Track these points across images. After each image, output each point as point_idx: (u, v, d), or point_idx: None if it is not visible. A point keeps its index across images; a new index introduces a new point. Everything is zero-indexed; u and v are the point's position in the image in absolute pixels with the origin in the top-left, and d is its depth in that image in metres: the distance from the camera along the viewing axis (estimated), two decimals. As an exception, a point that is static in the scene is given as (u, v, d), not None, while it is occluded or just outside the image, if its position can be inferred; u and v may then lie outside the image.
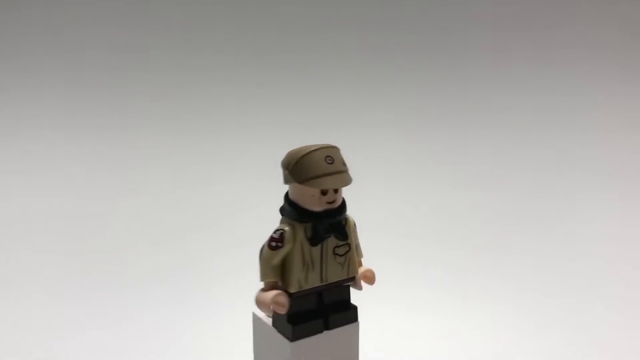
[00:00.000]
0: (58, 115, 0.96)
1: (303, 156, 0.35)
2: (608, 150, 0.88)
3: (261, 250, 0.37)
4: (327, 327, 0.38)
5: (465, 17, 1.00)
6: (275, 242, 0.36)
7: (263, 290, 0.37)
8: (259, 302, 0.36)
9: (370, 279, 0.40)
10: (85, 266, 0.64)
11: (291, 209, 0.36)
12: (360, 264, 0.40)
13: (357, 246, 0.40)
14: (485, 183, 0.84)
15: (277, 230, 0.36)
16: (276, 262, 0.36)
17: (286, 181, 0.37)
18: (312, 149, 0.36)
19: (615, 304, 0.57)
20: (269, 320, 0.39)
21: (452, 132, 0.93)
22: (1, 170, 0.87)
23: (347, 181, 0.36)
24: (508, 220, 0.75)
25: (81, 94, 0.98)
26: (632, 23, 0.96)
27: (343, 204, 0.37)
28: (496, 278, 0.61)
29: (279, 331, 0.38)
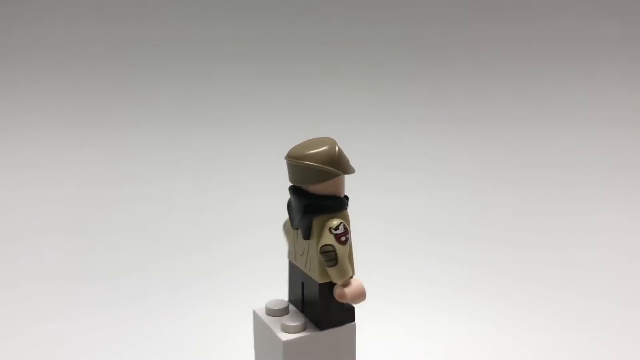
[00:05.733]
0: (57, 111, 0.96)
1: (339, 149, 0.36)
2: (613, 146, 0.87)
3: (332, 252, 0.35)
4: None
5: (465, 11, 0.97)
6: (344, 237, 0.35)
7: (344, 285, 0.36)
8: (357, 296, 0.36)
9: None
10: (84, 259, 0.66)
11: (338, 202, 0.36)
12: None
13: None
14: (488, 179, 0.83)
15: (337, 226, 0.35)
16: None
17: (327, 178, 0.35)
18: (332, 140, 0.36)
19: (620, 301, 0.57)
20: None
21: (452, 128, 0.91)
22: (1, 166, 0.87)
23: None
24: (512, 216, 0.75)
25: (81, 90, 0.98)
26: (632, 17, 0.96)
27: None
28: (499, 275, 0.62)
29: (339, 324, 0.37)
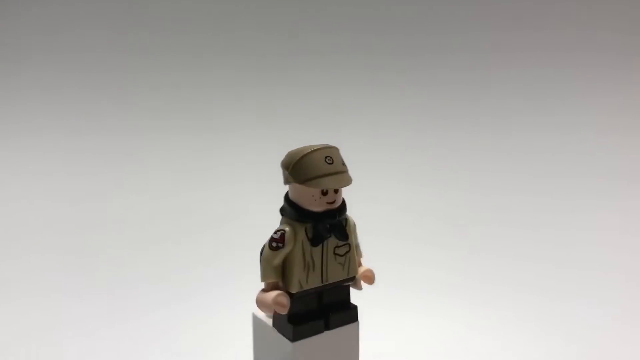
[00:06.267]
0: (55, 116, 0.96)
1: (303, 157, 0.36)
2: (607, 151, 0.88)
3: (262, 251, 0.37)
4: (328, 327, 0.38)
5: (464, 18, 1.00)
6: (276, 243, 0.36)
7: (264, 290, 0.37)
8: (260, 303, 0.36)
9: (370, 278, 0.40)
10: (84, 267, 0.64)
11: (291, 209, 0.36)
12: (360, 264, 0.40)
13: (357, 246, 0.40)
14: (486, 184, 0.84)
15: (277, 230, 0.36)
16: (277, 262, 0.36)
17: (286, 181, 0.37)
18: (311, 149, 0.36)
19: (617, 305, 0.56)
20: (269, 321, 0.39)
21: (450, 134, 0.93)
22: (1, 170, 0.88)
23: (347, 181, 0.36)
24: (508, 221, 0.75)
25: (79, 95, 0.99)
26: (630, 23, 0.97)
27: (343, 204, 0.37)
28: (497, 279, 0.62)
29: (280, 332, 0.38)
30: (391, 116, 0.95)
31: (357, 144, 0.85)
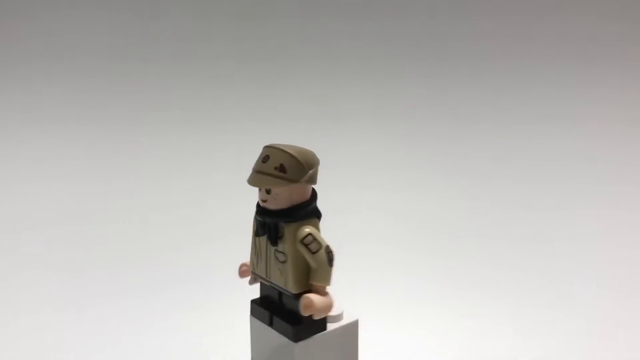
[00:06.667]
0: (48, 107, 1.01)
1: (255, 160, 0.37)
2: (604, 145, 0.88)
3: None
4: (271, 324, 0.38)
5: (461, 9, 0.97)
6: None
7: None
8: None
9: (309, 307, 0.35)
10: (70, 253, 0.66)
11: None
12: (318, 291, 0.36)
13: (317, 270, 0.36)
14: (482, 175, 0.84)
15: None
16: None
17: None
18: (265, 146, 0.37)
19: (615, 295, 0.56)
20: None
21: (446, 128, 0.92)
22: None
23: (259, 183, 0.35)
24: (506, 214, 0.75)
25: (67, 87, 1.02)
26: (630, 15, 0.96)
27: (287, 211, 0.36)
28: (501, 271, 0.61)
29: None
30: (390, 118, 0.95)
31: (350, 141, 0.89)
